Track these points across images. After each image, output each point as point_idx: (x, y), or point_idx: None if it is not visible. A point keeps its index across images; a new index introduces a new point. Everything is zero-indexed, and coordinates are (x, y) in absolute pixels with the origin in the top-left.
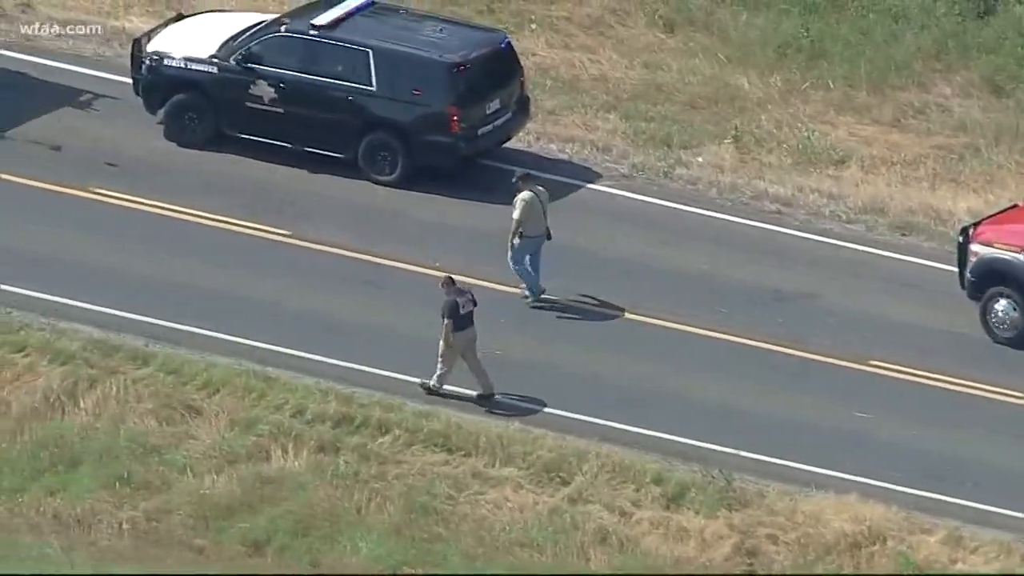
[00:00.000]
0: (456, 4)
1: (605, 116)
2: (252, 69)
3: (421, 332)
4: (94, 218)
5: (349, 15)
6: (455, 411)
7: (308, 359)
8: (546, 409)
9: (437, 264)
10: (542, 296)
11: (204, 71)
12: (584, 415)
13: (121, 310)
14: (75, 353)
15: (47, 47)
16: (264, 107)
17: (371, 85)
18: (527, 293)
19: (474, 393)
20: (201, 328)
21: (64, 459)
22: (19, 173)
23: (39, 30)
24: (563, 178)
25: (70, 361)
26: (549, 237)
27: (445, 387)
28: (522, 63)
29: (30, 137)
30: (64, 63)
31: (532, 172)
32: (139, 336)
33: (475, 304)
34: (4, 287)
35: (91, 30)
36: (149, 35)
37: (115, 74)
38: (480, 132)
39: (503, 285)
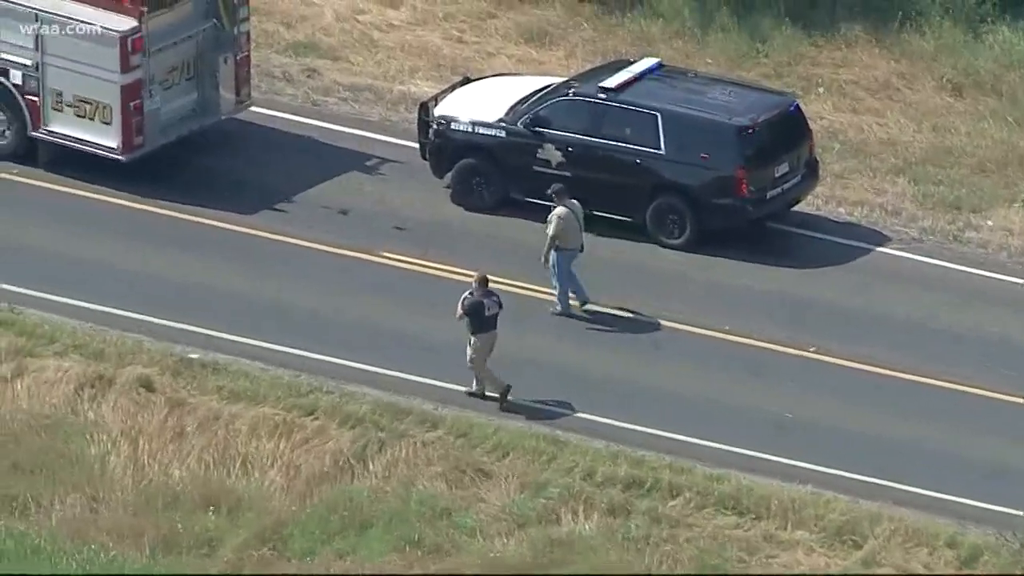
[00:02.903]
0: (743, 68)
1: (894, 180)
2: (540, 133)
3: (711, 395)
4: (381, 282)
5: (637, 78)
6: (746, 474)
7: (598, 422)
8: (836, 471)
9: (813, 348)
10: (566, 310)
11: (492, 135)
12: (875, 478)
13: (410, 373)
14: (364, 416)
15: (333, 111)
16: (552, 171)
17: (660, 148)
18: (557, 308)
19: (466, 389)
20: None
21: (354, 522)
22: (307, 237)
23: (325, 95)
24: (852, 241)
25: (359, 424)
26: (582, 250)
27: (508, 395)
28: (810, 126)
29: (318, 201)
30: (350, 127)
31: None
32: (428, 399)
33: (500, 307)
34: (294, 351)
35: (377, 94)
36: (436, 99)
37: (401, 138)
38: (769, 195)
39: (792, 348)
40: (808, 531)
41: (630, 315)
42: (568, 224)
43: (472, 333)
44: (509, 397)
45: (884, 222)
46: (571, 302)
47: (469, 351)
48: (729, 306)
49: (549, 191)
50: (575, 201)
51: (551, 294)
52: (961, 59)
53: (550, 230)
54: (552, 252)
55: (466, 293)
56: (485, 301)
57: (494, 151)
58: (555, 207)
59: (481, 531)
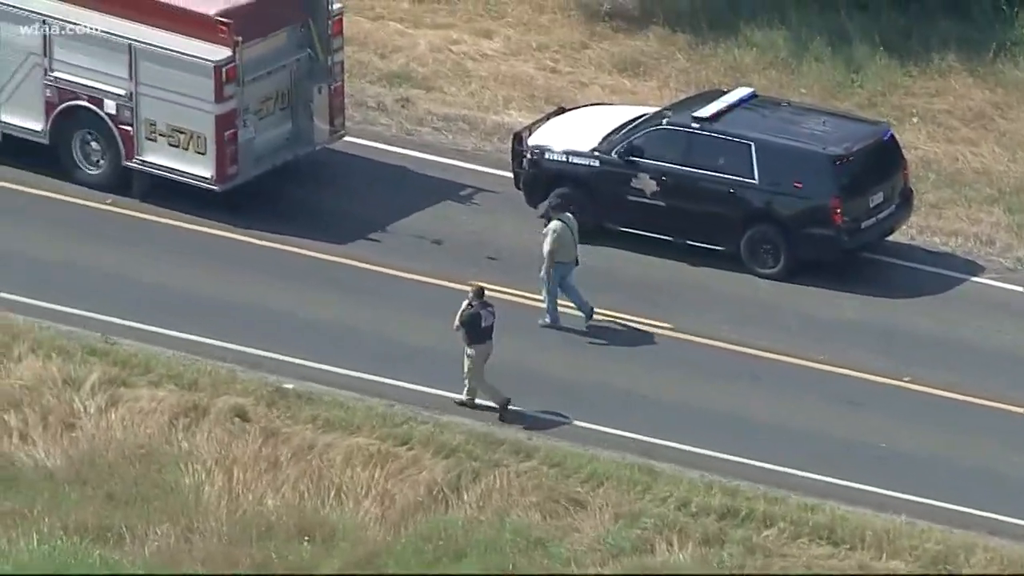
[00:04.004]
0: (837, 97)
1: (988, 209)
2: (634, 162)
3: (804, 424)
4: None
5: (731, 108)
6: (840, 503)
7: (692, 452)
8: (931, 501)
9: (907, 378)
10: (556, 322)
11: (585, 165)
12: (970, 508)
13: None
14: (458, 446)
15: (427, 141)
16: (646, 200)
17: (753, 178)
18: (547, 319)
19: (459, 397)
20: (584, 421)
21: (448, 552)
22: (401, 267)
23: (419, 124)
24: (946, 271)
25: (454, 454)
26: (577, 263)
27: (505, 402)
28: (904, 156)
29: (412, 231)
30: (444, 157)
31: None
32: (522, 429)
33: (494, 318)
34: (388, 381)
35: (471, 124)
36: (530, 129)
37: (495, 168)
38: (863, 225)
39: (886, 377)
40: (903, 561)
41: (725, 345)
42: (563, 237)
43: (468, 344)
44: (510, 407)
45: (978, 252)
46: (559, 311)
47: (466, 362)
48: (823, 336)
49: (547, 201)
50: (570, 215)
51: (650, 324)
52: None
53: (546, 244)
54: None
55: (464, 304)
56: (482, 312)
57: (588, 181)
58: (550, 221)
59: (575, 561)
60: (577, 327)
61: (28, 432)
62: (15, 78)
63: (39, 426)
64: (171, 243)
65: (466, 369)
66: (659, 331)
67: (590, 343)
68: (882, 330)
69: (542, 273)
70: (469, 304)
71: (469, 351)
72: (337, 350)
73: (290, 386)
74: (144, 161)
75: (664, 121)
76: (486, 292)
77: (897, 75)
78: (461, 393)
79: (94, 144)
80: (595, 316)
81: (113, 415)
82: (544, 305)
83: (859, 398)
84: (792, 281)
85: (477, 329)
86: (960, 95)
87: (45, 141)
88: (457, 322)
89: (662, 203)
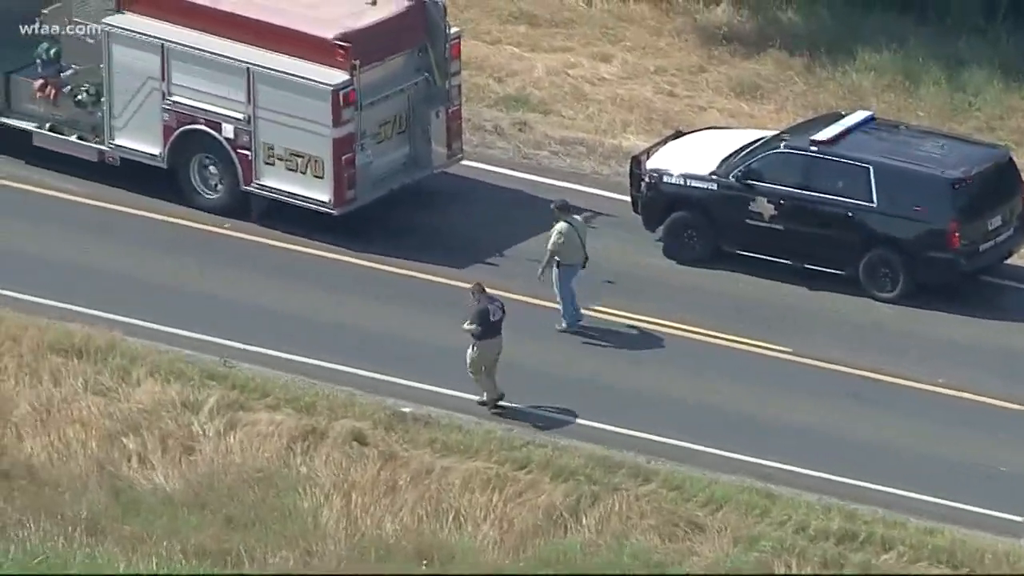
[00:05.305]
0: (955, 121)
1: None
2: (752, 186)
3: (923, 447)
4: (595, 336)
5: (849, 131)
6: (959, 527)
7: (810, 476)
8: None
9: (940, 381)
10: (573, 325)
11: (703, 188)
12: None
13: (622, 427)
14: (577, 470)
15: (545, 165)
16: (764, 224)
17: (872, 201)
18: (563, 322)
19: (477, 398)
20: (702, 445)
21: None
22: (518, 290)
23: (536, 148)
24: None
25: (572, 478)
26: (584, 266)
27: (501, 397)
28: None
29: (529, 255)
30: (561, 181)
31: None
32: (641, 452)
33: (504, 313)
34: (506, 404)
35: (588, 148)
36: (648, 152)
37: (613, 192)
38: (981, 248)
39: (1007, 401)
40: None
41: (845, 370)
42: (569, 240)
43: (475, 338)
44: (502, 402)
45: None
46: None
47: (470, 353)
48: (941, 359)
49: (552, 205)
50: (578, 217)
51: (769, 348)
52: None
53: (549, 244)
54: (553, 268)
55: (475, 303)
56: (490, 307)
57: (706, 204)
58: (556, 222)
59: None
60: (694, 350)
61: (147, 456)
62: (133, 102)
63: (158, 450)
64: (288, 267)
65: (469, 361)
66: (778, 355)
67: (707, 368)
68: (1000, 353)
69: (539, 274)
70: (477, 301)
71: (475, 344)
72: (453, 373)
73: (408, 409)
74: (262, 185)
75: (782, 144)
76: (486, 287)
77: (1016, 99)
78: (480, 395)
79: (212, 168)
80: (634, 328)
81: (231, 439)
82: (560, 309)
83: (977, 421)
84: (911, 304)
85: (487, 324)
86: None
87: (163, 165)
88: (469, 321)
89: (780, 226)
